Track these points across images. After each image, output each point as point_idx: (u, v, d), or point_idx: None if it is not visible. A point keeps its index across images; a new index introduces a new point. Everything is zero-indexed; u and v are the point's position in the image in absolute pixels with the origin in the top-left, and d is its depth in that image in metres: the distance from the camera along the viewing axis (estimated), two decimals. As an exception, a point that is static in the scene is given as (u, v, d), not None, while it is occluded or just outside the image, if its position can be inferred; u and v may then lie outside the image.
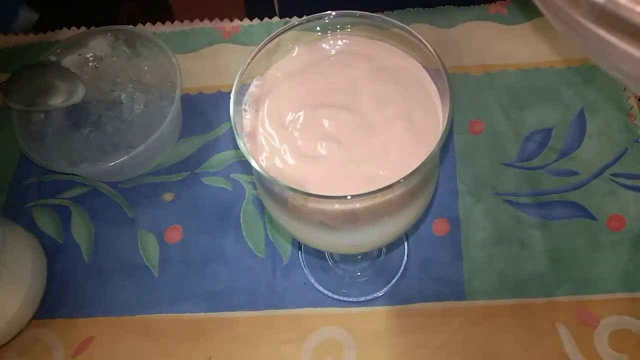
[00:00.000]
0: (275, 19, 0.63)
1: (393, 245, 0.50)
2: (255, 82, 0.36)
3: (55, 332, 0.48)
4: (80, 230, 0.53)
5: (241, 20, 0.63)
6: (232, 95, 0.33)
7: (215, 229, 0.51)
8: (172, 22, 0.64)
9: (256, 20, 0.63)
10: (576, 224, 0.48)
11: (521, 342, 0.44)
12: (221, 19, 0.63)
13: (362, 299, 0.48)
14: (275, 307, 0.48)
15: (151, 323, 0.48)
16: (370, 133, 0.32)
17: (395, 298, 0.47)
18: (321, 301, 0.48)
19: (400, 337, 0.46)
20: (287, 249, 0.50)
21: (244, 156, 0.31)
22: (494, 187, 0.51)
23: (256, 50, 0.35)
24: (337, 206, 0.32)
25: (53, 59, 0.54)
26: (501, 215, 0.49)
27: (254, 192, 0.53)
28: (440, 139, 0.31)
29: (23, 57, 0.63)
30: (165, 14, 0.65)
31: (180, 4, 0.67)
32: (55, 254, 0.52)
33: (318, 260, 0.50)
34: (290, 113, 0.34)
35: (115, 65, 0.54)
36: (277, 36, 0.35)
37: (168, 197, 0.53)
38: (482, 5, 0.60)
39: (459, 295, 0.47)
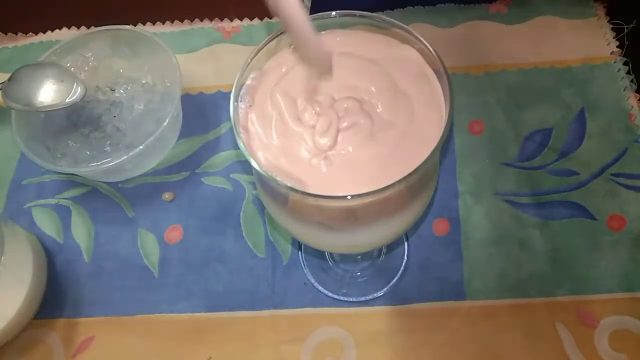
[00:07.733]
0: (276, 19, 0.63)
1: (393, 245, 0.50)
2: (251, 75, 0.35)
3: (55, 332, 0.48)
4: (80, 230, 0.53)
5: (241, 20, 0.63)
6: (232, 95, 0.33)
7: (215, 229, 0.51)
8: (172, 22, 0.64)
9: (256, 20, 0.63)
10: (576, 224, 0.48)
11: (521, 342, 0.44)
12: (221, 19, 0.63)
13: (362, 299, 0.48)
14: (275, 307, 0.48)
15: (151, 323, 0.48)
16: (368, 131, 0.32)
17: (395, 298, 0.47)
18: (321, 301, 0.48)
19: (400, 337, 0.46)
20: (287, 249, 0.50)
21: (244, 156, 0.31)
22: (494, 187, 0.51)
23: (256, 50, 0.35)
24: (336, 205, 0.32)
25: (53, 59, 0.54)
26: (501, 215, 0.49)
27: (254, 192, 0.53)
28: (440, 139, 0.31)
29: (23, 57, 0.63)
30: (165, 14, 0.65)
31: (180, 3, 0.67)
32: (55, 254, 0.52)
33: (318, 260, 0.50)
34: (286, 108, 0.34)
35: (115, 65, 0.54)
36: (277, 36, 0.35)
37: (168, 197, 0.53)
38: (483, 4, 0.60)
39: (459, 295, 0.47)
